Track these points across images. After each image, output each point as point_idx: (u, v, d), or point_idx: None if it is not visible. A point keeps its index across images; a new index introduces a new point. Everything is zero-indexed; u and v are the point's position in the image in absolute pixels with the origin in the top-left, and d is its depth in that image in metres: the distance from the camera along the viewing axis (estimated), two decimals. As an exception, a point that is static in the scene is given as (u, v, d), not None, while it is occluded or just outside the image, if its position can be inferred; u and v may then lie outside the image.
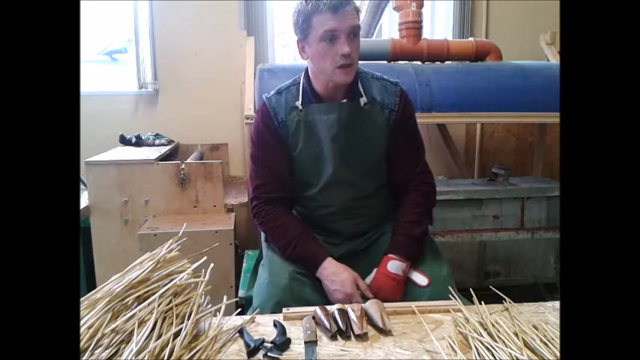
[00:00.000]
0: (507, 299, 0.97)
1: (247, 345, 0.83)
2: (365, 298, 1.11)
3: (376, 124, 1.23)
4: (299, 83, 1.25)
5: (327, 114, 1.21)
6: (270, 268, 1.22)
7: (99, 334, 0.76)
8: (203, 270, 0.94)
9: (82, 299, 0.82)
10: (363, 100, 1.21)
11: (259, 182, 1.26)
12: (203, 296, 0.90)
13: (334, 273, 1.14)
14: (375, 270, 1.18)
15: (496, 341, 0.80)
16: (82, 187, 2.11)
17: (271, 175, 1.25)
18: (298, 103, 1.22)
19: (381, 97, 1.24)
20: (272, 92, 1.28)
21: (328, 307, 0.93)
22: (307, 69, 1.24)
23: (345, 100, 1.22)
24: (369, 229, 1.30)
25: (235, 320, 0.92)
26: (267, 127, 1.24)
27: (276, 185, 1.25)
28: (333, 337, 0.86)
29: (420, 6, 2.31)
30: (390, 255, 1.18)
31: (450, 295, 0.99)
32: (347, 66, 1.12)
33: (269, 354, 0.80)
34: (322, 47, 1.12)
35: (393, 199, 1.36)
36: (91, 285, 2.01)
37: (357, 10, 1.14)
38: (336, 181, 1.23)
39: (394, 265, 1.16)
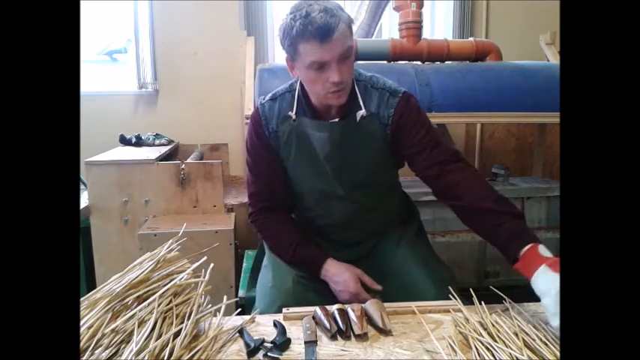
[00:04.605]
0: (507, 299, 0.97)
1: (247, 345, 0.83)
2: (372, 293, 1.11)
3: (375, 137, 1.15)
4: (295, 90, 1.17)
5: (318, 131, 1.14)
6: (274, 272, 1.21)
7: (99, 334, 0.75)
8: (203, 270, 0.94)
9: (82, 299, 0.82)
10: (361, 113, 1.12)
11: (253, 190, 1.25)
12: (203, 296, 0.90)
13: (335, 274, 1.14)
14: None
15: (496, 341, 0.80)
16: (82, 187, 2.11)
17: (265, 184, 1.23)
18: (292, 113, 1.15)
19: (378, 109, 1.14)
20: (267, 97, 1.21)
21: (328, 307, 0.93)
22: None
23: (337, 120, 1.14)
24: (369, 237, 1.29)
25: (235, 320, 0.92)
26: (259, 136, 1.19)
27: (270, 194, 1.23)
28: (333, 337, 0.86)
29: (420, 6, 2.31)
30: (525, 249, 0.90)
31: (450, 295, 0.99)
32: (339, 91, 1.05)
33: (269, 354, 0.80)
34: (311, 74, 1.04)
35: (402, 204, 1.35)
36: (91, 285, 2.01)
37: (348, 24, 1.02)
38: (332, 197, 1.21)
39: (542, 249, 0.89)
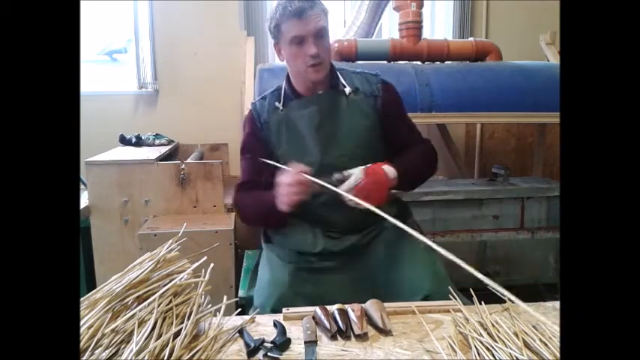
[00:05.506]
0: (507, 299, 0.97)
1: (247, 345, 0.83)
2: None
3: (362, 111, 1.28)
4: (282, 87, 1.32)
5: (307, 107, 1.26)
6: (270, 266, 1.25)
7: (99, 334, 0.75)
8: (203, 270, 0.94)
9: (82, 299, 0.82)
10: (347, 89, 1.28)
11: (243, 180, 1.34)
12: (203, 296, 0.90)
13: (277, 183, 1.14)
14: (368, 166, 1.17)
15: (496, 341, 0.80)
16: (82, 187, 2.11)
17: (254, 171, 1.30)
18: (279, 104, 1.30)
19: (363, 87, 1.30)
20: (258, 98, 1.37)
21: (328, 307, 0.93)
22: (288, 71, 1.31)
23: (322, 91, 1.27)
24: (366, 223, 1.29)
25: (235, 320, 0.92)
26: (252, 131, 1.33)
27: (258, 181, 1.28)
28: (333, 337, 0.86)
29: (420, 6, 2.31)
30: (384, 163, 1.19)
31: (450, 295, 0.99)
32: (317, 64, 1.20)
33: (269, 354, 0.80)
34: (292, 50, 1.21)
35: (397, 199, 1.36)
36: (91, 285, 2.01)
37: (324, 12, 1.21)
38: (324, 172, 1.20)
39: (390, 170, 1.18)
